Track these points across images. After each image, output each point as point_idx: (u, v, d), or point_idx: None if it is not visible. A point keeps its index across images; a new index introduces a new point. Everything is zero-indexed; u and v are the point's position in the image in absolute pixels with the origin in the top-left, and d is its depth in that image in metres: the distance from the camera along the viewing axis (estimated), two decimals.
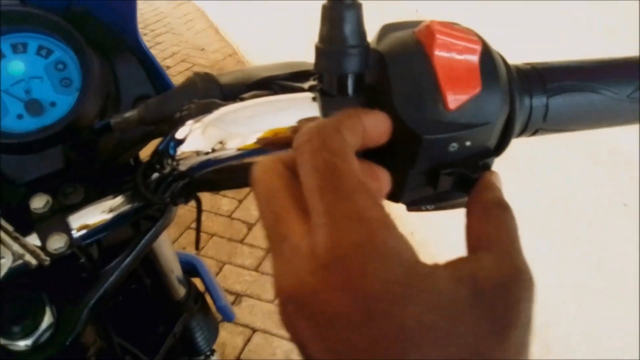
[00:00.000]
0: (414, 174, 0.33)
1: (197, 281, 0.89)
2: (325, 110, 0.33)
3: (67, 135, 0.54)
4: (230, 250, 2.45)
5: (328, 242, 0.23)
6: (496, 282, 0.24)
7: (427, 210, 0.36)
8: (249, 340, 2.05)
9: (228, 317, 0.93)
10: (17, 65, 0.56)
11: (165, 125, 0.42)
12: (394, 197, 0.35)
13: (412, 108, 0.31)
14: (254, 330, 2.08)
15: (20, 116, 0.55)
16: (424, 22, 0.33)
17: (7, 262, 0.45)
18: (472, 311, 0.22)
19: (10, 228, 0.47)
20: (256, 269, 2.33)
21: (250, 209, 2.68)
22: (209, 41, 4.74)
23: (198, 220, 0.49)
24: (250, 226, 2.59)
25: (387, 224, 0.23)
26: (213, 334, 0.91)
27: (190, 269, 0.88)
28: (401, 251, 0.23)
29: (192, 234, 2.47)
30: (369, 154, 0.31)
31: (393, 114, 0.31)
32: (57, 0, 0.60)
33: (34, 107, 0.55)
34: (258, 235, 2.52)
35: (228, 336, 2.03)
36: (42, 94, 0.56)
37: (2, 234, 0.46)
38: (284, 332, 2.18)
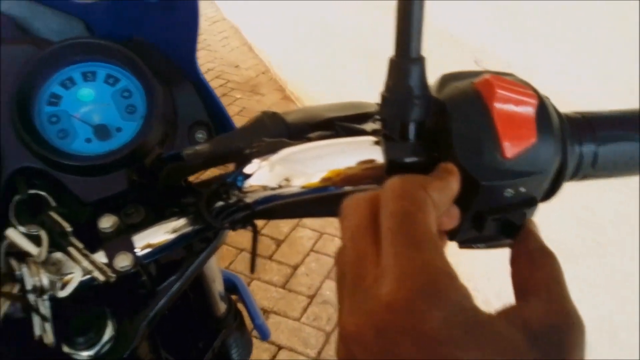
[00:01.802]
0: (466, 217, 0.36)
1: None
2: (389, 154, 0.36)
3: (132, 159, 0.58)
4: (258, 266, 2.48)
5: (394, 286, 0.24)
6: (549, 327, 0.25)
7: (478, 248, 0.38)
8: (274, 357, 2.07)
9: (265, 336, 0.95)
10: (87, 92, 0.60)
11: (233, 159, 0.45)
12: (450, 235, 0.38)
13: (472, 155, 0.33)
14: (280, 348, 2.09)
15: (89, 140, 0.59)
16: (483, 74, 0.36)
17: (77, 278, 0.49)
18: (530, 355, 0.24)
19: (80, 245, 0.50)
20: (283, 286, 2.36)
21: (280, 225, 2.71)
22: (243, 58, 4.84)
23: (254, 246, 0.52)
24: (279, 242, 2.62)
25: (450, 274, 0.25)
26: (247, 351, 0.94)
27: (231, 286, 0.91)
28: (462, 299, 0.24)
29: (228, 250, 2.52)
30: None
31: (453, 160, 0.34)
32: (120, 32, 0.64)
33: (101, 132, 0.59)
34: (286, 252, 2.55)
35: (254, 352, 2.05)
36: (109, 120, 0.60)
37: (73, 251, 0.49)
38: (309, 351, 2.19)
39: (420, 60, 0.34)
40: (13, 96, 0.56)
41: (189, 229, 0.52)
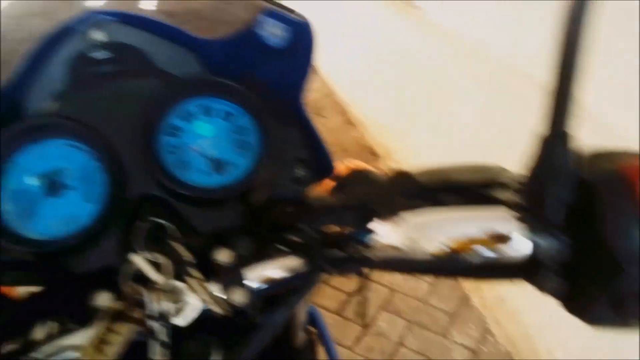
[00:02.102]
0: (601, 298, 0.35)
1: None
2: (530, 230, 0.36)
3: (245, 194, 0.60)
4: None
5: None
6: None
7: (609, 327, 0.38)
8: None
9: None
10: (204, 127, 0.63)
11: (361, 213, 0.46)
12: (577, 311, 0.37)
13: (618, 240, 0.33)
14: None
15: (204, 172, 0.62)
16: (632, 156, 0.36)
17: (197, 308, 0.51)
18: None
19: (200, 277, 0.53)
20: (338, 312, 2.35)
21: None
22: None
23: (364, 294, 0.52)
24: None
25: None
26: None
27: (310, 318, 0.92)
28: None
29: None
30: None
31: (598, 241, 0.34)
32: (233, 69, 0.68)
33: (216, 165, 0.62)
34: (343, 279, 2.55)
35: None
36: (224, 155, 0.63)
37: (193, 283, 0.52)
38: None
39: (568, 138, 0.35)
40: (140, 126, 0.60)
41: (301, 268, 0.54)
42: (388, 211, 0.43)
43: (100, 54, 0.64)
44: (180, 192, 0.58)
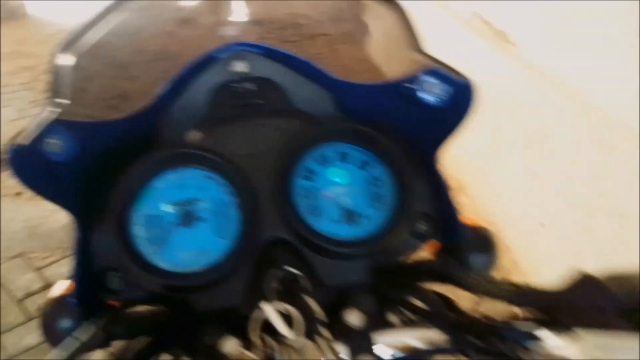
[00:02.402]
0: None
1: None
2: None
3: (375, 250, 0.58)
4: None
5: None
6: None
7: None
8: None
9: None
10: (339, 173, 0.61)
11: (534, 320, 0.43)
12: None
13: None
14: None
15: (335, 221, 0.60)
16: None
17: None
18: None
19: (329, 337, 0.50)
20: None
21: None
22: None
23: None
24: None
25: None
26: None
27: None
28: None
29: None
30: None
31: None
32: (367, 112, 0.66)
33: (348, 216, 0.60)
34: None
35: None
36: (357, 206, 0.60)
37: (322, 343, 0.50)
38: None
39: None
40: (278, 165, 0.59)
41: (443, 345, 0.50)
42: (567, 323, 0.39)
43: (242, 86, 0.64)
44: (311, 239, 0.56)
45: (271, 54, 0.64)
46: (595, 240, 1.74)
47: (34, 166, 0.48)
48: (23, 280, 2.25)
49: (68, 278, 0.61)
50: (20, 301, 2.14)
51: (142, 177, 0.57)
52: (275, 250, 0.58)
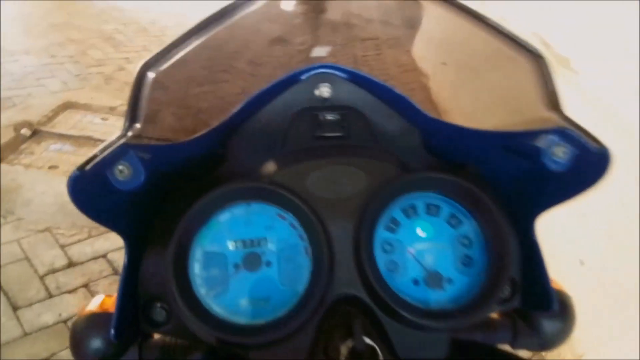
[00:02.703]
0: None
1: None
2: None
3: (462, 324, 0.50)
4: None
5: None
6: None
7: None
8: None
9: None
10: (426, 228, 0.54)
11: None
12: None
13: None
14: None
15: (416, 282, 0.52)
16: None
17: None
18: None
19: None
20: None
21: None
22: None
23: None
24: None
25: None
26: None
27: None
28: None
29: None
30: None
31: None
32: (455, 153, 0.58)
33: (433, 279, 0.52)
34: None
35: None
36: (442, 267, 0.53)
37: None
38: None
39: None
40: (360, 212, 0.52)
41: None
42: None
43: (324, 114, 0.57)
44: (390, 304, 0.49)
45: (357, 80, 0.57)
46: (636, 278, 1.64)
47: (95, 194, 0.42)
48: (48, 255, 2.23)
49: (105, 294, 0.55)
50: (42, 277, 2.12)
51: (208, 208, 0.51)
52: (345, 308, 0.51)
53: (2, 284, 2.07)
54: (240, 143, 0.56)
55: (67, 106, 3.35)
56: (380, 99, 0.58)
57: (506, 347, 0.61)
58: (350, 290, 0.51)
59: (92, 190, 0.42)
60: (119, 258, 2.25)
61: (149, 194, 0.49)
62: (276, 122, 0.56)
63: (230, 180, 0.52)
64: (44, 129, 3.04)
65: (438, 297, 0.52)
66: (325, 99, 0.57)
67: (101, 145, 0.42)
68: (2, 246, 2.24)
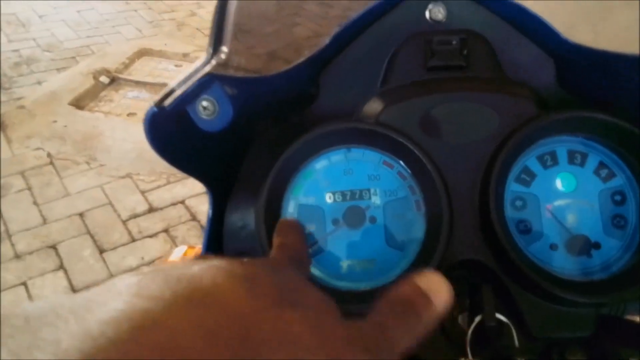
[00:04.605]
0: None
1: None
2: None
3: (615, 299, 0.40)
4: None
5: None
6: None
7: None
8: None
9: None
10: (568, 179, 0.43)
11: None
12: None
13: None
14: None
15: (554, 247, 0.42)
16: None
17: None
18: None
19: None
20: None
21: None
22: None
23: None
24: None
25: None
26: None
27: None
28: None
29: None
30: None
31: None
32: (606, 96, 0.46)
33: (576, 242, 0.42)
34: None
35: None
36: (588, 229, 0.43)
37: None
38: None
39: None
40: (491, 164, 0.42)
41: None
42: None
43: (439, 41, 0.47)
44: (525, 271, 0.40)
45: None
46: None
47: (175, 134, 0.35)
48: (129, 201, 2.28)
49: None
50: (125, 222, 2.18)
51: (303, 154, 0.43)
52: (464, 274, 0.42)
53: (89, 228, 2.14)
54: (335, 78, 0.47)
55: (142, 53, 3.37)
56: (507, 21, 0.46)
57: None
58: (473, 254, 0.42)
59: (171, 131, 0.34)
60: (197, 204, 2.27)
61: (235, 135, 0.41)
62: (379, 51, 0.47)
63: (327, 122, 0.43)
64: (121, 76, 3.07)
65: (583, 265, 0.42)
66: (438, 22, 0.46)
67: (182, 76, 0.34)
68: (87, 192, 2.32)
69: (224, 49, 0.37)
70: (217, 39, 0.38)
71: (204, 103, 0.34)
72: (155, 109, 0.32)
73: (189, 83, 0.34)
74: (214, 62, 0.36)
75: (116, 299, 0.19)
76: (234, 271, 0.22)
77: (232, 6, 0.40)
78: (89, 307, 0.18)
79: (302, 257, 0.35)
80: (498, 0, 0.45)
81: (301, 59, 0.43)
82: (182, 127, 0.35)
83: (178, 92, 0.33)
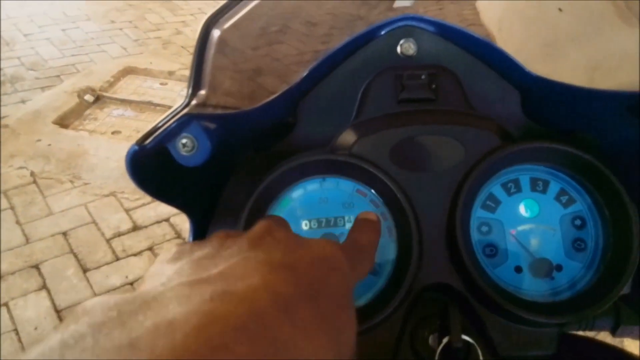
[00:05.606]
0: None
1: None
2: None
3: (577, 319, 0.43)
4: None
5: None
6: None
7: None
8: None
9: None
10: (531, 206, 0.46)
11: None
12: None
13: None
14: None
15: (518, 269, 0.45)
16: None
17: None
18: None
19: None
20: None
21: None
22: None
23: None
24: None
25: None
26: None
27: None
28: None
29: None
30: None
31: None
32: (559, 118, 0.49)
33: (538, 265, 0.45)
34: None
35: None
36: (550, 253, 0.45)
37: None
38: None
39: None
40: (458, 192, 0.45)
41: None
42: None
43: (409, 75, 0.49)
44: (490, 294, 0.42)
45: (447, 33, 0.48)
46: None
47: (156, 170, 0.37)
48: (113, 219, 2.28)
49: None
50: (109, 240, 2.17)
51: (279, 184, 0.45)
52: (434, 297, 0.44)
53: (72, 247, 2.14)
54: (311, 110, 0.49)
55: (128, 71, 3.38)
56: (475, 56, 0.49)
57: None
58: (442, 278, 0.44)
59: (152, 167, 0.36)
60: (182, 222, 2.27)
61: (215, 167, 0.43)
62: (352, 85, 0.49)
63: (303, 153, 0.45)
64: (106, 94, 3.08)
65: (547, 287, 0.44)
66: (409, 57, 0.49)
67: (162, 117, 0.36)
68: (70, 211, 2.31)
69: (202, 92, 0.39)
70: (195, 82, 0.40)
71: (184, 140, 0.36)
72: (136, 147, 0.34)
73: (169, 122, 0.36)
74: (193, 102, 0.38)
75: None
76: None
77: (211, 50, 0.42)
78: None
79: None
80: (465, 37, 0.48)
81: (278, 92, 0.46)
82: (163, 162, 0.37)
83: (158, 132, 0.35)
